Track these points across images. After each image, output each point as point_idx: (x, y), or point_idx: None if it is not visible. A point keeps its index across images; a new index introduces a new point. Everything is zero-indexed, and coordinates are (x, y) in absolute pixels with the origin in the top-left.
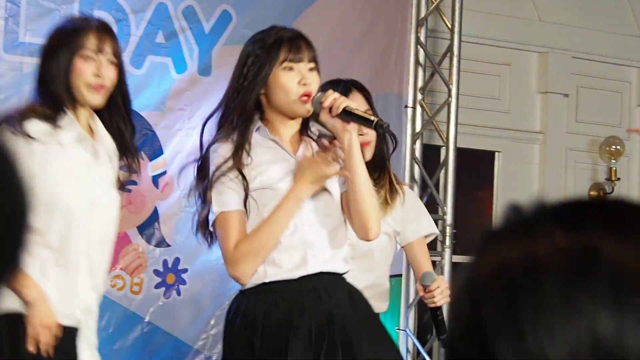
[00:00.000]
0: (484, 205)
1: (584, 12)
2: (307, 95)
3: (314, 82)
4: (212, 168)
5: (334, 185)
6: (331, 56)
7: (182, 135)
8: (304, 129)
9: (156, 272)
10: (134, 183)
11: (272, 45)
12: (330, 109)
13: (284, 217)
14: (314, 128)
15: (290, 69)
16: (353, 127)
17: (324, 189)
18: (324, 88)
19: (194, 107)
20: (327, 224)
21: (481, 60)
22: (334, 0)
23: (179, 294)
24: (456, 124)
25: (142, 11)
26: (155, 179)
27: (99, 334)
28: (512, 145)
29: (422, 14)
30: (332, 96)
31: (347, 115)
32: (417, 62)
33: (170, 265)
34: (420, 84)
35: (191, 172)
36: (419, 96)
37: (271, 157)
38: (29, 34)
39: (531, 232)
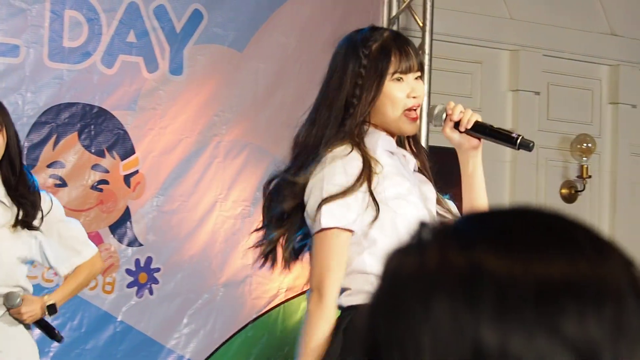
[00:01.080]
0: (455, 202)
1: (555, 10)
2: (415, 109)
3: (422, 94)
4: (328, 186)
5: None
6: (302, 55)
7: (154, 135)
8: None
9: (128, 271)
10: (105, 182)
11: (379, 54)
12: (457, 123)
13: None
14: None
15: (399, 79)
16: (480, 144)
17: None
18: None
19: (166, 106)
20: None
21: (452, 58)
22: (304, 0)
23: (151, 293)
24: (428, 122)
25: (113, 10)
26: (127, 179)
27: (71, 334)
28: (483, 143)
29: (394, 12)
30: (459, 108)
31: (481, 131)
32: None
33: (142, 265)
34: None
35: (162, 171)
36: None
37: (397, 168)
38: (0, 34)
39: (424, 249)
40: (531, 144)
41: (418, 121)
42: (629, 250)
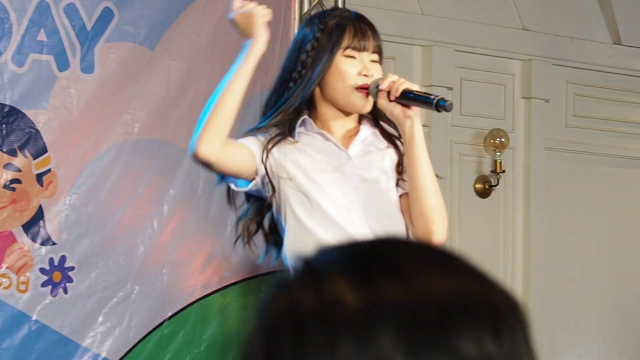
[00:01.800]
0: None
1: (467, 5)
2: (366, 88)
3: (375, 75)
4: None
5: (389, 183)
6: (214, 53)
7: (66, 133)
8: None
9: (42, 270)
10: (18, 181)
11: (334, 29)
12: (388, 93)
13: (241, 76)
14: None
15: (353, 57)
16: (415, 112)
17: (377, 187)
18: None
19: (78, 104)
20: (384, 227)
21: None
22: None
23: (66, 292)
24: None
25: (23, 9)
26: (39, 177)
27: None
28: None
29: (305, 8)
30: (390, 78)
31: (407, 98)
32: None
33: (56, 264)
34: None
35: (75, 169)
36: None
37: (316, 147)
38: None
39: (319, 284)
40: (448, 103)
41: (371, 98)
42: (544, 244)
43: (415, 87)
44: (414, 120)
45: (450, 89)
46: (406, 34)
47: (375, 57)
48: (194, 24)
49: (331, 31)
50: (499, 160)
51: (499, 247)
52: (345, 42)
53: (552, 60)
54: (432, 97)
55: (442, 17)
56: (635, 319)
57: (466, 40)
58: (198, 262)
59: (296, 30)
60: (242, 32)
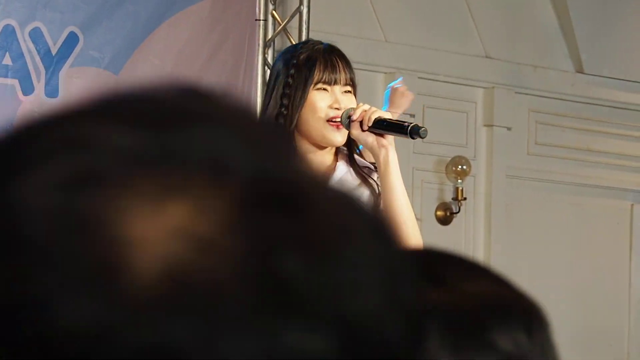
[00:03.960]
0: None
1: (430, 33)
2: (337, 119)
3: (348, 106)
4: None
5: None
6: (178, 78)
7: None
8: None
9: None
10: None
11: (304, 64)
12: (361, 123)
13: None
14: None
15: (324, 89)
16: (390, 141)
17: None
18: None
19: None
20: None
21: None
22: (181, 23)
23: None
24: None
25: None
26: None
27: None
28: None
29: (270, 35)
30: (361, 107)
31: (380, 127)
32: (264, 83)
33: None
34: None
35: None
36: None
37: None
38: None
39: None
40: (422, 129)
41: (344, 129)
42: (505, 272)
43: (387, 115)
44: (388, 149)
45: (412, 115)
46: (369, 61)
47: (348, 88)
48: (159, 49)
49: (302, 66)
50: (461, 188)
51: None
52: (316, 77)
53: (514, 88)
54: (405, 124)
55: (405, 44)
56: (596, 347)
57: (429, 67)
58: None
59: (260, 55)
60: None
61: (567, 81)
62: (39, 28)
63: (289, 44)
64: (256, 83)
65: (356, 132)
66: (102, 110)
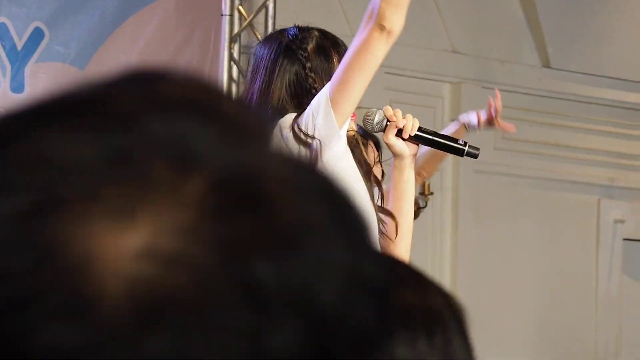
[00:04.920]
0: None
1: None
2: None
3: None
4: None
5: None
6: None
7: None
8: None
9: None
10: None
11: (318, 54)
12: (400, 130)
13: None
14: None
15: None
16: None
17: None
18: None
19: None
20: None
21: None
22: (147, 18)
23: None
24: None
25: None
26: None
27: None
28: None
29: (236, 30)
30: (399, 113)
31: (424, 138)
32: (230, 78)
33: None
34: None
35: None
36: None
37: None
38: None
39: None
40: (478, 152)
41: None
42: (472, 266)
43: (419, 124)
44: (415, 158)
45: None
46: None
47: None
48: (125, 44)
49: (317, 57)
50: (427, 183)
51: (426, 268)
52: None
53: (481, 83)
54: (460, 142)
55: None
56: (562, 341)
57: (396, 62)
58: None
59: (226, 50)
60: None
61: (534, 76)
62: (5, 24)
63: (255, 40)
64: (222, 79)
65: (392, 137)
66: (52, 118)
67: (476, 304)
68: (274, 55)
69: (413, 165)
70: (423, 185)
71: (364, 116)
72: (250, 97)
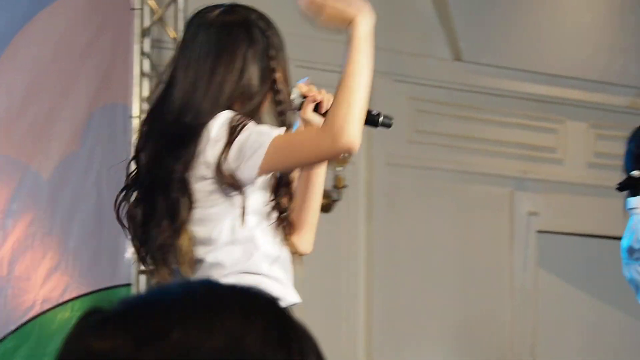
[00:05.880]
0: None
1: (304, 20)
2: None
3: None
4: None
5: None
6: (58, 67)
7: None
8: None
9: None
10: None
11: (276, 46)
12: (317, 105)
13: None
14: None
15: None
16: None
17: None
18: None
19: None
20: None
21: None
22: (58, 11)
23: None
24: None
25: None
26: None
27: None
28: None
29: (147, 24)
30: (314, 88)
31: None
32: (142, 72)
33: None
34: (145, 93)
35: None
36: (145, 106)
37: None
38: None
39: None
40: (392, 121)
41: None
42: (386, 259)
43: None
44: None
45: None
46: None
47: None
48: (37, 37)
49: (278, 48)
50: (341, 176)
51: (340, 262)
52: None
53: (393, 76)
54: (374, 112)
55: (282, 32)
56: (477, 334)
57: (305, 55)
58: (39, 276)
59: (137, 46)
60: (328, 19)
61: (445, 69)
62: None
63: (165, 34)
64: (132, 72)
65: (310, 112)
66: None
67: (391, 298)
68: (235, 40)
69: None
70: (336, 178)
71: None
72: (193, 83)
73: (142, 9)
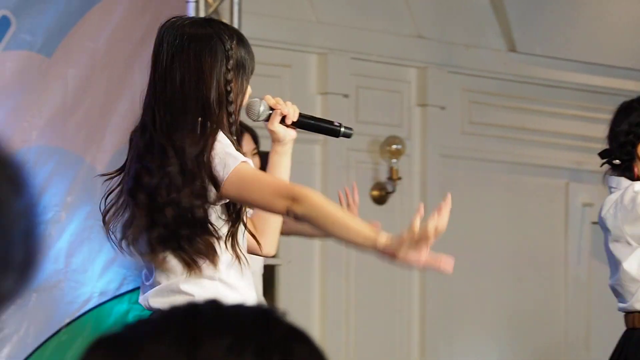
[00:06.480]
0: None
1: (362, 13)
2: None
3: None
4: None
5: None
6: (111, 61)
7: None
8: None
9: None
10: None
11: (243, 51)
12: (284, 117)
13: (348, 231)
14: None
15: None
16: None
17: None
18: None
19: None
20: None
21: (261, 62)
22: (113, 5)
23: None
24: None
25: None
26: None
27: None
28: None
29: (201, 16)
30: (281, 101)
31: (306, 125)
32: None
33: None
34: None
35: None
36: None
37: None
38: None
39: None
40: (352, 132)
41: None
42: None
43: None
44: (292, 143)
45: (346, 96)
46: (302, 42)
47: None
48: (91, 31)
49: (242, 54)
50: (395, 167)
51: None
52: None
53: (447, 68)
54: (335, 124)
55: (337, 25)
56: (530, 324)
57: (362, 47)
58: (96, 269)
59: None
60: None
61: (499, 60)
62: None
63: None
64: None
65: (277, 124)
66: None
67: (445, 289)
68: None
69: (291, 149)
70: (391, 170)
71: (247, 107)
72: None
73: (197, 1)
